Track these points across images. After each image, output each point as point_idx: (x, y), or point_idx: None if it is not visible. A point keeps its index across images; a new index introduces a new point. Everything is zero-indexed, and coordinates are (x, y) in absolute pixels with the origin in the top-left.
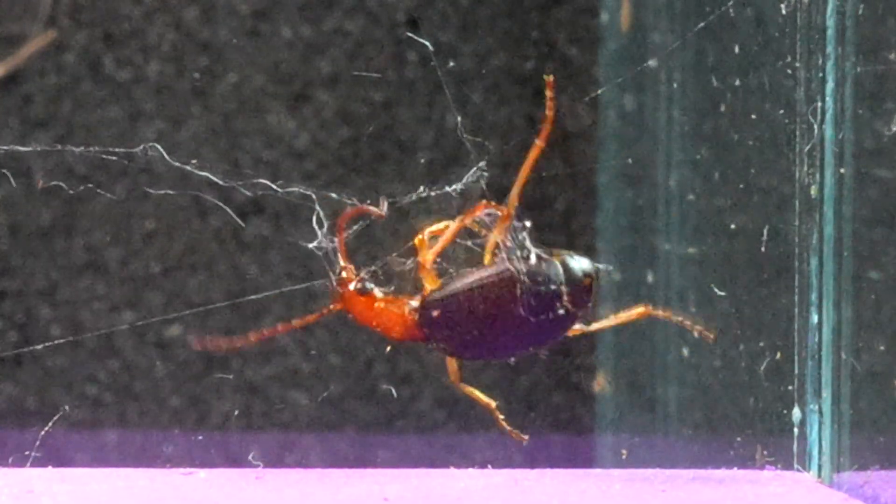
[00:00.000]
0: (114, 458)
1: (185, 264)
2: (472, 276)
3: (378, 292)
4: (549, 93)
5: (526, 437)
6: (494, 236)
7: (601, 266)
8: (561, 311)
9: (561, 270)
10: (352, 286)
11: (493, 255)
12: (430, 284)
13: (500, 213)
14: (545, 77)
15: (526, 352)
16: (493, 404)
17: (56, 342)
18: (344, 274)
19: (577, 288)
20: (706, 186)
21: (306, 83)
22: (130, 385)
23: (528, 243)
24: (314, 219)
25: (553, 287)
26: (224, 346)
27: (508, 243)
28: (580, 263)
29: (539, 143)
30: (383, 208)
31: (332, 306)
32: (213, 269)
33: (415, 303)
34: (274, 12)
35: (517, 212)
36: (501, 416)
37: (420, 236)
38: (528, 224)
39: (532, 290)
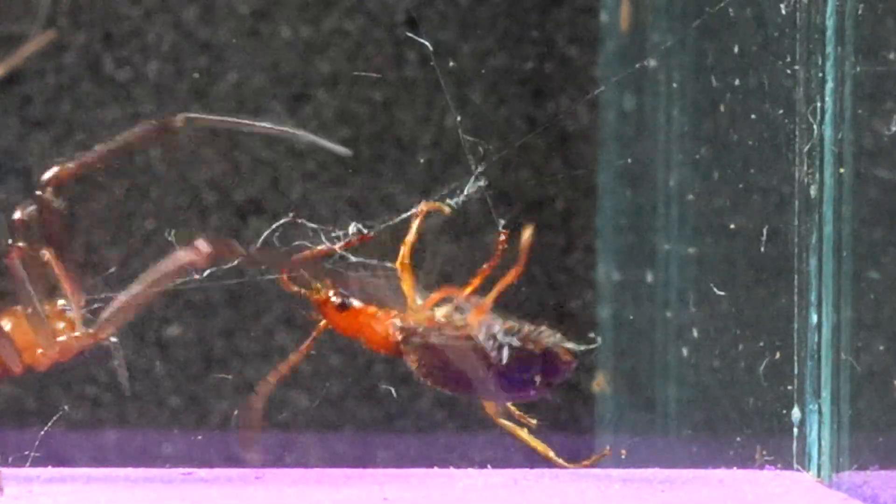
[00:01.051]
0: (113, 458)
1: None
2: (447, 336)
3: (357, 304)
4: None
5: (570, 465)
6: (473, 316)
7: (588, 343)
8: (532, 390)
9: (538, 363)
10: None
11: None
12: (408, 308)
13: (477, 304)
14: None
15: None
16: (540, 446)
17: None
18: (322, 292)
19: (554, 371)
20: (706, 186)
21: (306, 83)
22: (130, 385)
23: (504, 336)
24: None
25: (528, 375)
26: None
27: (481, 334)
28: (564, 350)
29: (519, 267)
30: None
31: (319, 324)
32: (212, 269)
33: (399, 322)
34: (273, 12)
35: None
36: (552, 453)
37: (404, 259)
38: (513, 324)
39: (506, 376)
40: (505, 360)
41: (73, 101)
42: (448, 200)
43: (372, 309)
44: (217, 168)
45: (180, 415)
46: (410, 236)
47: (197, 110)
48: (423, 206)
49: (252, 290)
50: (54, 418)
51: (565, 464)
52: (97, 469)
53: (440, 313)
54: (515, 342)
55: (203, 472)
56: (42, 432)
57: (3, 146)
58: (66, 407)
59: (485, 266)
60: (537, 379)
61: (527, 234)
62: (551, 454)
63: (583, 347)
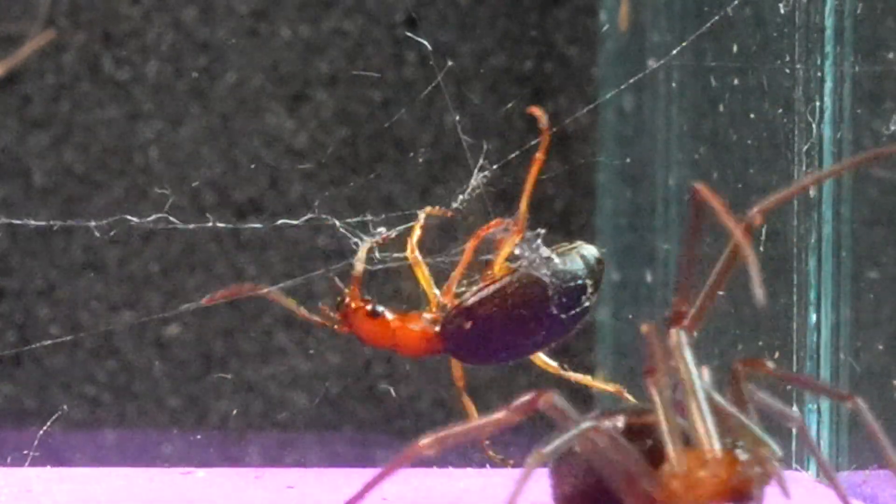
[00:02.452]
0: (112, 458)
1: (183, 264)
2: (497, 285)
3: (388, 313)
4: (541, 121)
5: (510, 461)
6: (508, 247)
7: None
8: (586, 302)
9: (582, 264)
10: (364, 308)
11: (508, 265)
12: (433, 299)
13: (512, 226)
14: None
15: (548, 345)
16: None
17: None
18: (347, 300)
19: (596, 275)
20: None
21: (305, 83)
22: (129, 385)
23: (543, 248)
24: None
25: (579, 281)
26: None
27: (526, 252)
28: (590, 251)
29: (539, 155)
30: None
31: (338, 328)
32: (212, 268)
33: (429, 315)
34: (273, 12)
35: (527, 222)
36: (487, 442)
37: (410, 253)
38: (540, 231)
39: (561, 288)
40: (557, 262)
41: (72, 100)
42: (454, 204)
43: (400, 314)
44: (217, 168)
45: (179, 415)
46: (415, 234)
47: (196, 110)
48: (427, 211)
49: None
50: (53, 418)
51: (506, 461)
52: (96, 469)
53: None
54: (557, 259)
55: (202, 472)
56: (41, 432)
57: (3, 146)
58: (65, 407)
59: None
60: (590, 290)
61: (541, 116)
62: (487, 450)
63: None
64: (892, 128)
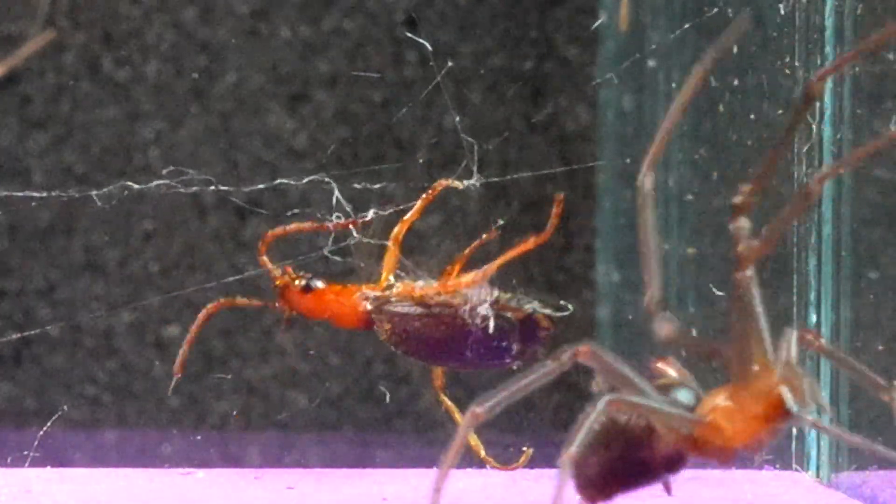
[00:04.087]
0: (112, 458)
1: (183, 264)
2: (424, 306)
3: (321, 285)
4: (556, 209)
5: (503, 467)
6: (468, 279)
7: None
8: (508, 358)
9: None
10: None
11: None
12: (383, 279)
13: (479, 276)
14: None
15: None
16: (473, 440)
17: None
18: (285, 277)
19: (531, 338)
20: (705, 186)
21: (305, 83)
22: (129, 385)
23: (487, 308)
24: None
25: (506, 343)
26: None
27: (474, 297)
28: (542, 317)
29: (534, 240)
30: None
31: (281, 309)
32: (212, 268)
33: (370, 293)
34: (272, 12)
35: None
36: (476, 444)
37: (396, 236)
38: (494, 293)
39: (484, 343)
40: (488, 329)
41: (72, 100)
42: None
43: (337, 287)
44: (217, 168)
45: (179, 415)
46: (410, 216)
47: (196, 110)
48: (439, 186)
49: (251, 290)
50: (53, 418)
51: (496, 464)
52: (96, 469)
53: (419, 285)
54: (491, 311)
55: (202, 473)
56: (41, 432)
57: (3, 146)
58: (65, 407)
59: (474, 243)
60: (514, 346)
61: (558, 202)
62: (483, 452)
63: (559, 314)
64: (893, 128)
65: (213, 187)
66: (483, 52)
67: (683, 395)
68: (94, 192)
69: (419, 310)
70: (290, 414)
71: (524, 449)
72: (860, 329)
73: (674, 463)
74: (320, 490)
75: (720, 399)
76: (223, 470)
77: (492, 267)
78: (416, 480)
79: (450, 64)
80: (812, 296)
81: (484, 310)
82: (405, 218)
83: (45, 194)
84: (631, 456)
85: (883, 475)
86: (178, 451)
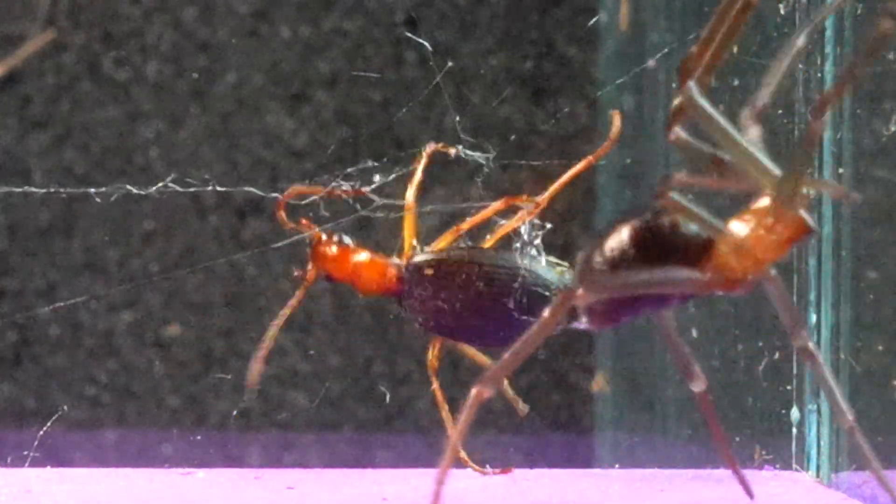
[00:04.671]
0: (112, 458)
1: (183, 264)
2: (477, 255)
3: (352, 244)
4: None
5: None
6: (513, 223)
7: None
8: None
9: (558, 282)
10: (329, 241)
11: (499, 244)
12: (408, 244)
13: (532, 206)
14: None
15: (491, 346)
16: (446, 410)
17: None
18: (323, 237)
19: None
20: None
21: (305, 83)
22: (129, 385)
23: (538, 244)
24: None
25: (546, 293)
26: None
27: (525, 235)
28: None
29: (591, 158)
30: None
31: (308, 269)
32: (212, 269)
33: (397, 260)
34: (272, 12)
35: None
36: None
37: (409, 201)
38: (547, 225)
39: (528, 289)
40: (543, 264)
41: (72, 100)
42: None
43: (367, 251)
44: (217, 168)
45: (179, 415)
46: (416, 177)
47: (196, 110)
48: (429, 149)
49: (251, 290)
50: (53, 418)
51: (476, 467)
52: (96, 469)
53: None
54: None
55: (202, 472)
56: (41, 432)
57: (3, 146)
58: (65, 407)
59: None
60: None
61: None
62: (463, 455)
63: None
64: (893, 128)
65: (250, 189)
66: (483, 52)
67: None
68: (92, 190)
69: (468, 258)
70: (290, 414)
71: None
72: (860, 329)
73: (688, 292)
74: (320, 490)
75: (737, 225)
76: (223, 470)
77: (545, 199)
78: (416, 480)
79: (450, 64)
80: (812, 295)
81: (536, 257)
82: (412, 181)
83: (44, 190)
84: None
85: (883, 475)
86: (179, 451)
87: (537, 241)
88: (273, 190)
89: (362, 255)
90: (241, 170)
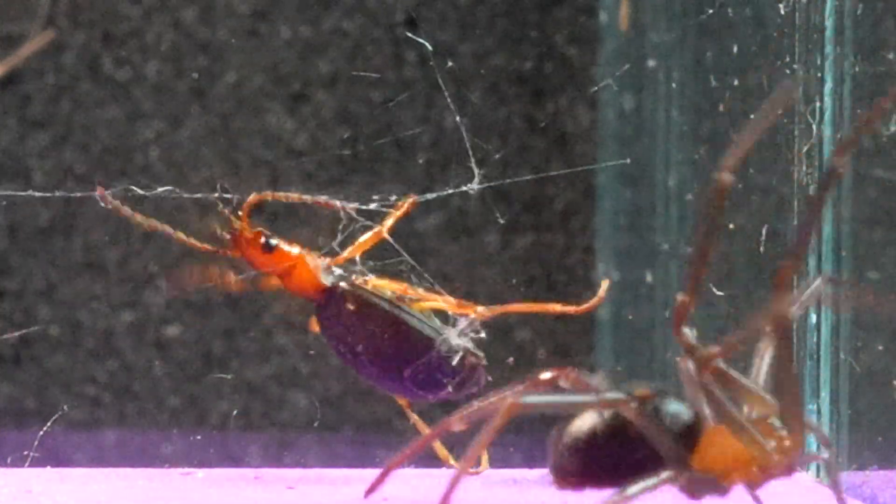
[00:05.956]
0: (112, 458)
1: (183, 264)
2: (400, 310)
3: (283, 245)
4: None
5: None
6: (451, 309)
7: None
8: (440, 393)
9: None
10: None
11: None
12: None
13: (475, 311)
14: None
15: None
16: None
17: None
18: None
19: (465, 384)
20: (705, 186)
21: (305, 83)
22: (129, 385)
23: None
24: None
25: (450, 375)
26: None
27: (461, 326)
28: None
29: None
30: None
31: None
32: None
33: (323, 263)
34: (273, 12)
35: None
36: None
37: (384, 226)
38: (482, 334)
39: (436, 361)
40: (448, 360)
41: (72, 100)
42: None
43: (299, 249)
44: (217, 168)
45: (179, 415)
46: (399, 212)
47: (196, 110)
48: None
49: (251, 290)
50: (53, 418)
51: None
52: (96, 469)
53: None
54: (461, 346)
55: (202, 472)
56: (41, 432)
57: (3, 146)
58: (65, 407)
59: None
60: (453, 387)
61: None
62: (451, 460)
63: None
64: (893, 128)
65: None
66: (483, 52)
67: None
68: (94, 193)
69: (389, 309)
70: (290, 414)
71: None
72: (860, 329)
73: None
74: (320, 490)
75: (724, 439)
76: (223, 470)
77: (495, 310)
78: (416, 480)
79: (450, 64)
80: None
81: (456, 342)
82: (394, 212)
83: (48, 194)
84: (617, 456)
85: (883, 475)
86: (178, 451)
87: (468, 332)
88: (275, 191)
89: (294, 251)
90: (240, 169)
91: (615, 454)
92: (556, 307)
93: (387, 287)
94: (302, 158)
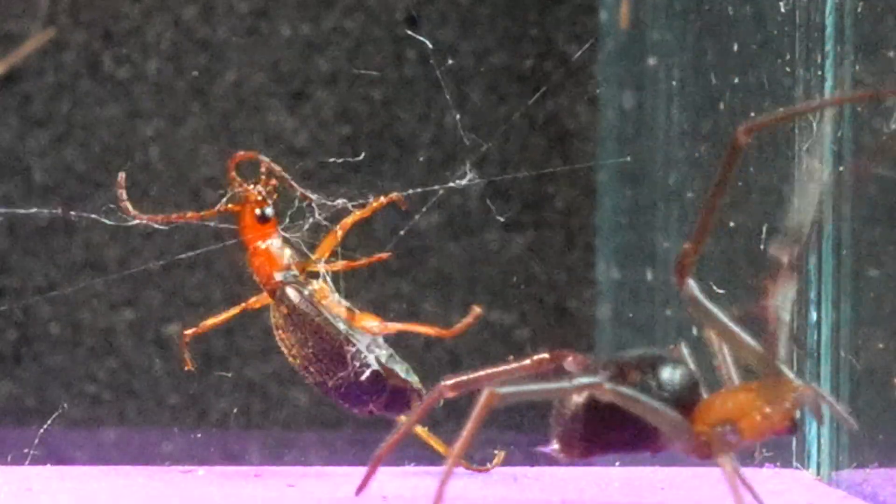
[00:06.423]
0: (113, 456)
1: (183, 263)
2: (328, 323)
3: (274, 231)
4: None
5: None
6: (377, 328)
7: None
8: (361, 409)
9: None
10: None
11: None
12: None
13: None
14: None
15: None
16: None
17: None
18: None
19: (394, 404)
20: (705, 185)
21: (305, 81)
22: (129, 383)
23: (393, 359)
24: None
25: (369, 396)
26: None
27: (375, 349)
28: (412, 389)
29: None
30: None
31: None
32: (212, 267)
33: (286, 258)
34: (273, 11)
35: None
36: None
37: (345, 224)
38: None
39: (353, 378)
40: (360, 375)
41: (72, 99)
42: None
43: (278, 245)
44: (217, 168)
45: (179, 413)
46: (364, 212)
47: (196, 109)
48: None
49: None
50: (53, 416)
51: (470, 466)
52: (96, 467)
53: (336, 298)
54: (376, 365)
55: (202, 470)
56: (41, 430)
57: (3, 145)
58: (65, 405)
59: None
60: (374, 405)
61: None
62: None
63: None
64: (893, 126)
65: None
66: (483, 51)
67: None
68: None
69: (315, 317)
70: (290, 412)
71: (494, 452)
72: (861, 327)
73: (660, 445)
74: (320, 488)
75: (726, 399)
76: (223, 467)
77: (394, 326)
78: (416, 480)
79: (450, 62)
80: (812, 294)
81: (367, 359)
82: (358, 212)
83: (46, 210)
84: (620, 422)
85: (884, 473)
86: (179, 449)
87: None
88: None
89: (271, 239)
90: (241, 169)
91: (618, 421)
92: (431, 330)
93: (331, 305)
94: (299, 164)
